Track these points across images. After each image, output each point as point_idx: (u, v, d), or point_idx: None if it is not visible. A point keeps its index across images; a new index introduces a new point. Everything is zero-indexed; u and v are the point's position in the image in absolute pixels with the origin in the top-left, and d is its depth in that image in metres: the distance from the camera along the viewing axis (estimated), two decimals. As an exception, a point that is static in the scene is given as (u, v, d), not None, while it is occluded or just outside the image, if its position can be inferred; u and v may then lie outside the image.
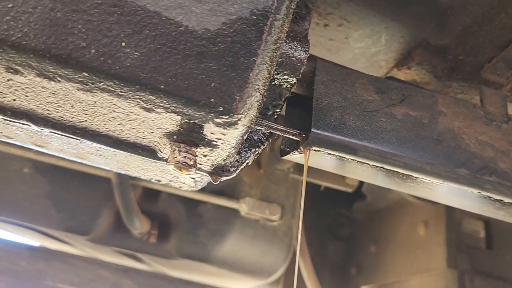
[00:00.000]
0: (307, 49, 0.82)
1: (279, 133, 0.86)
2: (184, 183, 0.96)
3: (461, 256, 2.05)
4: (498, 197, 0.94)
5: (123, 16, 0.61)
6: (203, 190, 1.84)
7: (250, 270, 2.00)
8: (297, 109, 0.99)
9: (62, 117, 0.76)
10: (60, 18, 0.60)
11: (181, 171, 0.74)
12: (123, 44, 0.62)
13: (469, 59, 1.08)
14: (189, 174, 0.79)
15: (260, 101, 0.71)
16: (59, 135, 0.80)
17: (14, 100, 0.73)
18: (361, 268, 2.63)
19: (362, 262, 2.63)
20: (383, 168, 0.90)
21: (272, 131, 0.86)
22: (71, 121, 0.77)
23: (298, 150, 0.89)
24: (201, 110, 0.66)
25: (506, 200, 0.95)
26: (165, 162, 0.79)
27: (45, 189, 1.69)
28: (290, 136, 0.87)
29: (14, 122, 0.78)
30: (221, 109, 0.66)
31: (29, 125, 0.77)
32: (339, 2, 1.03)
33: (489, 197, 0.96)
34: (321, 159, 0.92)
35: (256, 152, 0.88)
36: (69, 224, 1.74)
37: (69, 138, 0.81)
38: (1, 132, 0.90)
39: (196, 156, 0.76)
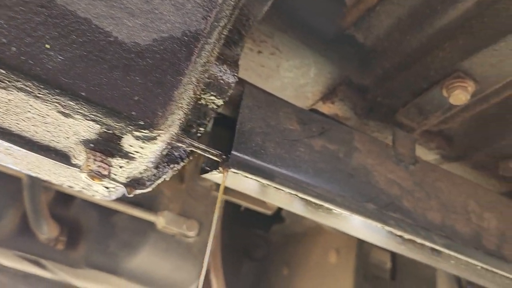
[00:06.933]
0: (236, 74, 0.84)
1: (200, 152, 0.87)
2: (97, 191, 0.94)
3: (366, 285, 2.14)
4: (399, 233, 1.01)
5: (51, 18, 0.60)
6: (120, 200, 1.80)
7: (160, 285, 1.96)
8: (224, 130, 1.01)
9: (-29, 111, 0.72)
10: (-20, 10, 0.57)
11: (93, 180, 0.73)
12: (48, 46, 0.60)
13: (386, 101, 1.15)
14: (101, 183, 0.77)
15: (183, 119, 0.71)
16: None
17: None
18: (272, 290, 2.67)
19: (274, 284, 2.67)
20: (298, 196, 0.94)
21: (193, 149, 0.86)
22: (-20, 117, 0.73)
23: (217, 170, 0.90)
24: (121, 121, 0.65)
25: (406, 236, 1.02)
26: (78, 169, 0.77)
27: None
28: (211, 156, 0.88)
29: None
30: (142, 123, 0.65)
31: None
32: (273, 32, 1.07)
33: (392, 232, 1.02)
34: (240, 181, 0.94)
35: (175, 168, 0.88)
36: (-32, 223, 1.62)
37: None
38: None
39: (111, 166, 0.74)
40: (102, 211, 1.78)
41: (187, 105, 0.70)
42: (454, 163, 1.36)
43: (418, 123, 1.15)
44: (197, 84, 0.70)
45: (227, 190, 2.22)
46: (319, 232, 2.51)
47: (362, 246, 2.19)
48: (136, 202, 1.84)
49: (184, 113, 0.71)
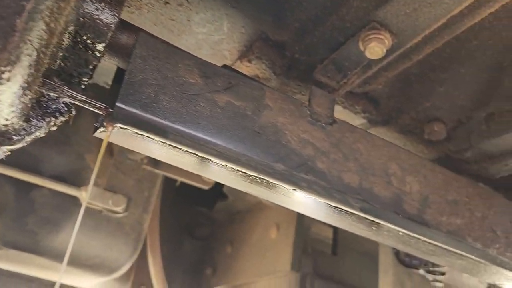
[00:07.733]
0: (117, 14, 0.75)
1: (80, 104, 0.77)
2: (-32, 152, 0.83)
3: (306, 260, 2.10)
4: (311, 196, 0.95)
5: None
6: (40, 173, 1.67)
7: (88, 265, 1.86)
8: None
9: None
10: None
11: None
12: None
13: (304, 58, 1.08)
14: None
15: (36, 58, 0.61)
16: None
17: None
18: (216, 269, 2.60)
19: (217, 262, 2.61)
20: (196, 154, 0.85)
21: (72, 100, 0.77)
22: None
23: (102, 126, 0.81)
24: (-48, 55, 0.55)
25: (318, 199, 0.96)
26: None
27: None
28: (93, 109, 0.78)
29: None
30: (-23, 57, 0.55)
31: None
32: (177, -22, 0.98)
33: (304, 195, 0.95)
34: (131, 140, 0.84)
35: (52, 123, 0.78)
36: None
37: None
38: None
39: (-42, 114, 0.64)
40: (20, 186, 1.66)
41: (39, 40, 0.60)
42: (381, 128, 1.30)
43: (337, 82, 1.08)
44: (50, 15, 0.60)
45: (163, 164, 2.11)
46: (261, 209, 2.46)
47: (302, 221, 2.15)
48: (59, 177, 1.73)
49: (37, 50, 0.61)
